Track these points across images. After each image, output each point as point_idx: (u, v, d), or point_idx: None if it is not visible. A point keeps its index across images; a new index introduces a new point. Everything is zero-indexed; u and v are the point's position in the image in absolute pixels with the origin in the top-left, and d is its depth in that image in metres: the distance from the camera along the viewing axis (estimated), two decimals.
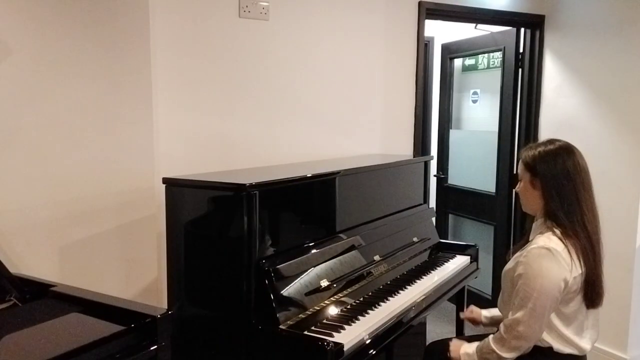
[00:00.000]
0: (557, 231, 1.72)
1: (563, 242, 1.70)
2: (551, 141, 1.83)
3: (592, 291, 1.73)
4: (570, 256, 1.68)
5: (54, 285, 1.71)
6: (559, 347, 1.75)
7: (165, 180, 1.98)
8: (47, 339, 1.45)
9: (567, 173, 1.74)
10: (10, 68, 1.95)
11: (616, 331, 3.13)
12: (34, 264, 2.02)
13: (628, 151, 3.07)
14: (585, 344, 1.79)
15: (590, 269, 1.72)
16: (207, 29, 2.43)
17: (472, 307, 2.24)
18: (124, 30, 2.15)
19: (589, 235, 1.72)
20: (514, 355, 1.76)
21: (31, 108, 2.01)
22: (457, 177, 4.33)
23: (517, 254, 1.81)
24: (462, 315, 2.30)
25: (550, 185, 1.74)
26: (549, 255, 1.68)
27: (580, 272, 1.70)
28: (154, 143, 2.25)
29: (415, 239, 2.63)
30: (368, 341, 1.82)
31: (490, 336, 1.84)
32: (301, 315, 1.84)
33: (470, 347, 1.89)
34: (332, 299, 1.99)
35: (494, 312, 2.15)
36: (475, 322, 2.21)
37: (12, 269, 1.74)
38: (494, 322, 2.14)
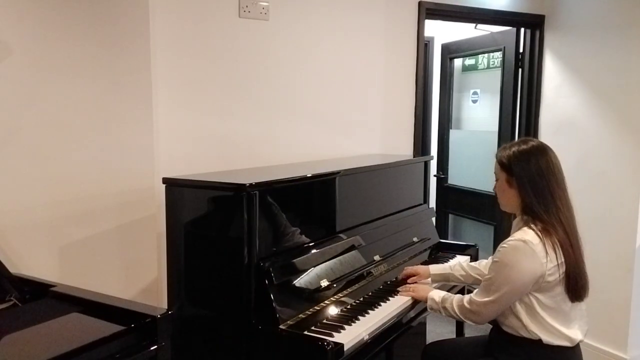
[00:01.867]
0: (534, 226, 1.76)
1: (539, 236, 1.73)
2: (525, 141, 1.87)
3: (574, 284, 1.76)
4: (546, 249, 1.72)
5: (54, 285, 1.71)
6: (548, 339, 1.77)
7: (165, 180, 1.98)
8: (47, 339, 1.45)
9: (540, 171, 1.78)
10: (10, 68, 1.95)
11: (616, 331, 3.13)
12: (34, 264, 2.02)
13: (628, 151, 3.07)
14: (574, 334, 1.80)
15: (570, 261, 1.75)
16: (207, 29, 2.43)
17: (415, 269, 2.31)
18: (124, 30, 2.15)
19: (566, 230, 1.76)
20: (468, 322, 1.93)
21: (31, 108, 2.01)
22: (457, 177, 4.33)
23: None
24: (401, 276, 2.34)
25: (525, 183, 1.79)
26: (524, 248, 1.72)
27: (556, 263, 1.73)
28: (154, 143, 2.25)
29: (415, 239, 2.63)
30: (368, 341, 1.82)
31: (457, 297, 1.95)
32: (301, 315, 1.84)
33: (438, 295, 2.02)
34: (332, 299, 1.99)
35: (443, 269, 2.30)
36: (420, 279, 2.28)
37: (12, 269, 1.74)
38: (444, 278, 2.29)
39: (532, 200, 1.77)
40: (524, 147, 1.82)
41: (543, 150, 1.81)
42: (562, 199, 1.78)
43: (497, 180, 1.90)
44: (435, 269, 2.32)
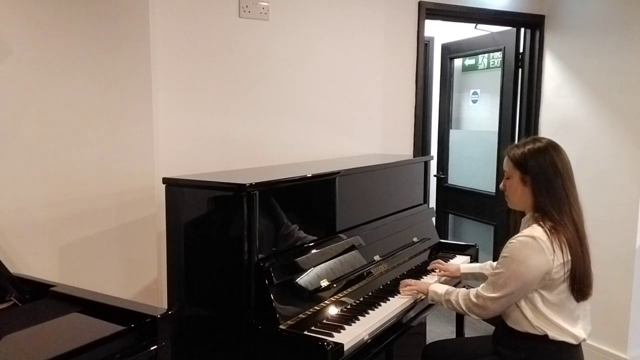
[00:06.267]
0: (543, 224, 1.77)
1: (547, 233, 1.74)
2: (537, 139, 1.87)
3: (580, 284, 1.77)
4: (553, 246, 1.73)
5: (54, 285, 1.71)
6: (554, 335, 1.78)
7: (165, 180, 1.98)
8: (47, 339, 1.45)
9: (555, 169, 1.78)
10: (10, 68, 1.95)
11: (616, 331, 3.13)
12: (34, 264, 2.02)
13: (628, 151, 3.07)
14: (578, 332, 1.81)
15: (577, 260, 1.75)
16: (207, 29, 2.43)
17: (446, 266, 2.45)
18: (124, 30, 2.15)
19: (577, 228, 1.77)
20: (473, 316, 1.91)
21: (31, 108, 2.01)
22: (457, 177, 4.33)
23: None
24: (430, 265, 2.50)
25: (541, 181, 1.79)
26: (533, 244, 1.73)
27: (562, 261, 1.73)
28: (154, 143, 2.25)
29: (415, 239, 2.63)
30: (368, 341, 1.82)
31: (462, 291, 1.94)
32: (301, 315, 1.84)
33: (440, 288, 2.03)
34: (332, 299, 1.99)
35: (473, 268, 2.38)
36: (450, 276, 2.42)
37: (12, 269, 1.74)
38: (474, 277, 2.36)
39: (545, 200, 1.77)
40: (538, 144, 1.82)
41: (556, 148, 1.82)
42: (575, 197, 1.79)
43: (507, 178, 1.88)
44: (465, 267, 2.40)
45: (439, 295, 2.00)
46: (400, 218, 2.62)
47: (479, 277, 2.33)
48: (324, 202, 2.19)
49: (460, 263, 2.50)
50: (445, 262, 2.63)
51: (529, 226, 1.81)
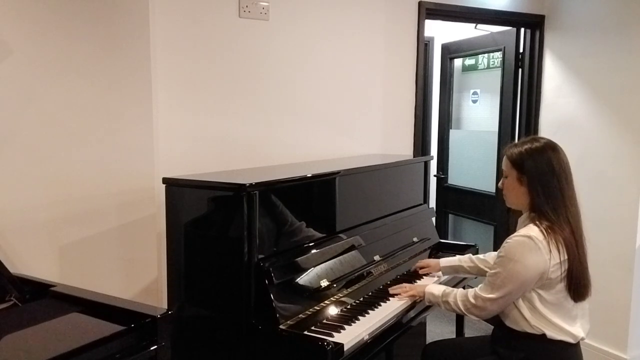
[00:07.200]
0: (539, 223, 1.77)
1: (543, 233, 1.74)
2: (535, 139, 1.87)
3: (577, 284, 1.77)
4: (549, 246, 1.72)
5: (54, 285, 1.71)
6: (552, 334, 1.78)
7: (165, 180, 1.98)
8: (47, 339, 1.45)
9: (552, 169, 1.78)
10: (10, 68, 1.95)
11: (616, 331, 3.13)
12: (34, 264, 2.02)
13: (628, 151, 3.07)
14: (577, 331, 1.81)
15: (573, 260, 1.75)
16: (207, 29, 2.43)
17: (426, 262, 2.45)
18: (124, 30, 2.15)
19: (572, 229, 1.77)
20: (471, 316, 1.91)
21: (31, 108, 2.01)
22: (457, 177, 4.33)
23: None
24: (414, 267, 2.47)
25: (537, 181, 1.79)
26: (529, 243, 1.73)
27: (559, 260, 1.73)
28: (154, 143, 2.25)
29: (415, 239, 2.63)
30: (368, 341, 1.82)
31: (460, 291, 1.94)
32: (301, 315, 1.84)
33: (437, 289, 2.02)
34: (332, 299, 1.99)
35: (452, 261, 2.37)
36: (431, 271, 2.42)
37: (12, 269, 1.74)
38: (454, 270, 2.37)
39: (541, 200, 1.77)
40: (536, 144, 1.82)
41: (554, 148, 1.82)
42: (571, 198, 1.79)
43: (505, 177, 1.89)
44: (445, 261, 2.39)
45: (436, 297, 2.00)
46: (400, 218, 2.62)
47: (459, 270, 2.34)
48: (324, 202, 2.19)
49: (441, 259, 2.47)
50: None
51: (525, 226, 1.81)
